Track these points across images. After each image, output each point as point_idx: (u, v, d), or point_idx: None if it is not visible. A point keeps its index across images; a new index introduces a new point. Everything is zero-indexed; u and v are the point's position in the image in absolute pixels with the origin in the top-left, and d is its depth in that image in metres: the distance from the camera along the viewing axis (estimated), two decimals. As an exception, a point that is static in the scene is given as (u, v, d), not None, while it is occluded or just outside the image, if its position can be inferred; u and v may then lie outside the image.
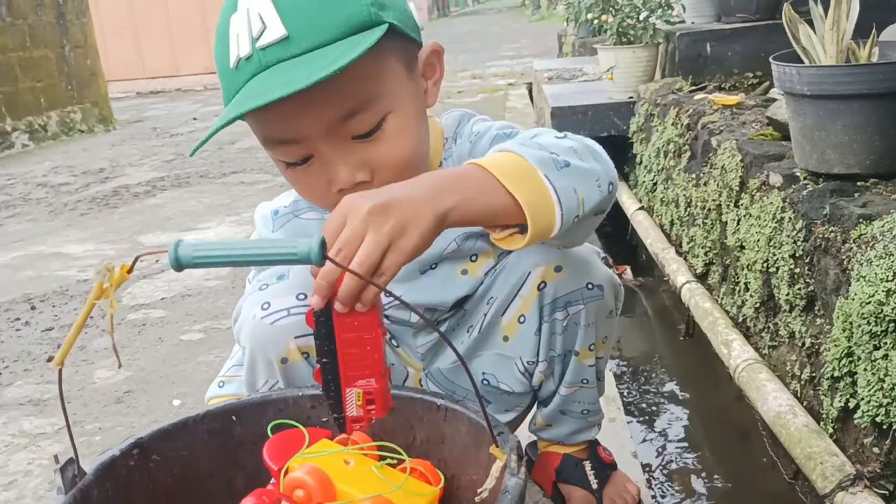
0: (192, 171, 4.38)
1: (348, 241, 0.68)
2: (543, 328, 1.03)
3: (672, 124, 2.67)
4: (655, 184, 2.87)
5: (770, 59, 1.60)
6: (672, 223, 2.61)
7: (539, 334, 1.04)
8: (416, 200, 0.71)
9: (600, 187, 0.83)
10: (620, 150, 3.51)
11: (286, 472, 0.88)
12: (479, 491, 0.77)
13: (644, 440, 1.83)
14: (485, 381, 1.07)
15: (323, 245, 0.63)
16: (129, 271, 0.66)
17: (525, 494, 0.73)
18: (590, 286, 1.02)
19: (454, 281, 1.06)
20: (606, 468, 1.17)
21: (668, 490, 1.65)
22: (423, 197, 0.72)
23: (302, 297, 0.96)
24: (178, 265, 0.64)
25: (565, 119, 3.42)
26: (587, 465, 1.15)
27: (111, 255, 2.88)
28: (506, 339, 1.05)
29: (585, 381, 1.08)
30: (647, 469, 1.68)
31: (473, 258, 1.07)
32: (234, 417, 0.94)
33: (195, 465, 0.89)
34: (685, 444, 1.81)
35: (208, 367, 1.83)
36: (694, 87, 2.92)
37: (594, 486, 1.12)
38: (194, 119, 6.99)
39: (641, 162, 3.09)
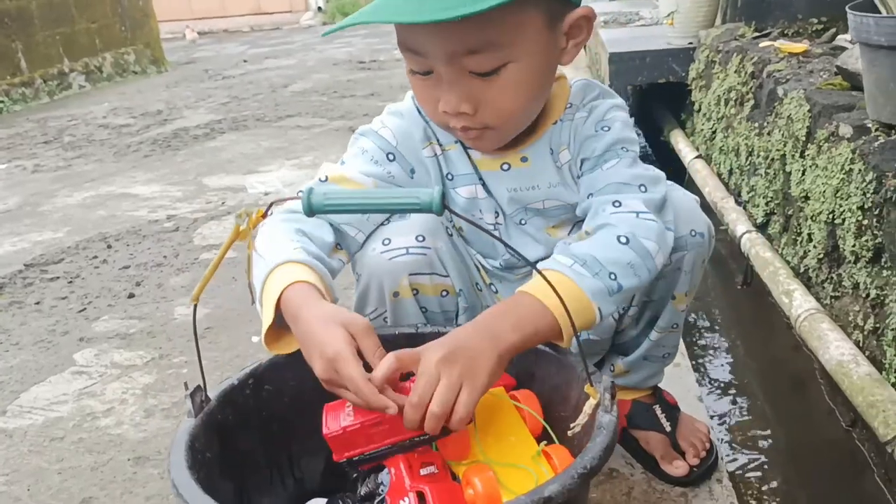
0: (249, 115, 4.44)
1: (424, 388, 0.80)
2: None
3: (735, 72, 2.64)
4: (714, 132, 2.86)
5: (847, 9, 1.59)
6: (731, 172, 2.61)
7: None
8: (480, 344, 0.82)
9: (639, 291, 0.93)
10: (678, 97, 3.48)
11: None
12: (571, 426, 0.83)
13: (701, 386, 1.87)
14: None
15: (443, 195, 0.68)
16: (265, 216, 0.72)
17: (617, 431, 0.79)
18: (693, 233, 1.05)
19: (540, 238, 1.11)
20: (674, 410, 1.21)
21: (725, 435, 1.70)
22: (485, 340, 0.83)
23: (421, 238, 1.03)
24: (311, 210, 0.69)
25: (623, 65, 3.40)
26: (657, 409, 1.19)
27: (178, 196, 2.97)
28: None
29: (675, 326, 1.12)
30: (707, 412, 1.72)
31: (556, 224, 1.11)
32: (335, 353, 1.01)
33: (302, 396, 0.96)
34: (741, 391, 1.85)
35: (282, 306, 1.91)
36: (758, 35, 2.87)
37: (667, 428, 1.17)
38: (245, 61, 7.04)
39: (700, 109, 3.07)
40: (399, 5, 0.82)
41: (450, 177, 1.09)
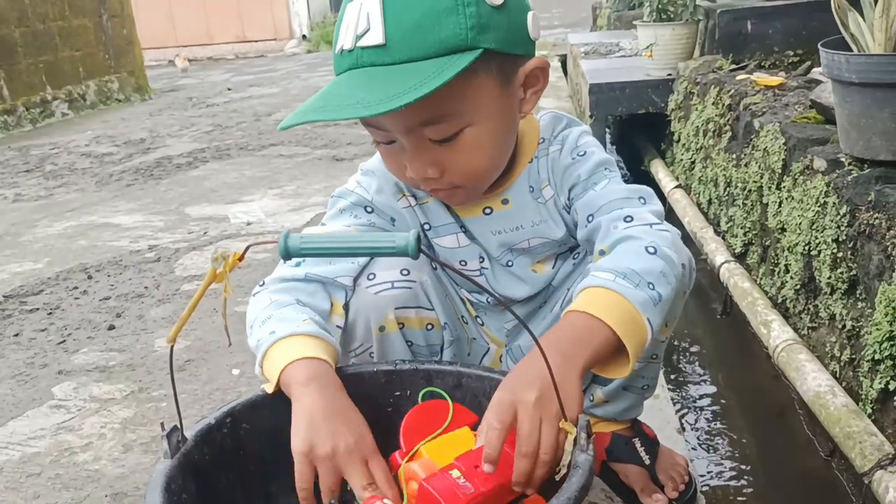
0: (232, 143, 4.45)
1: (531, 432, 0.79)
2: None
3: (713, 104, 2.68)
4: (693, 162, 2.89)
5: (819, 46, 1.62)
6: (710, 202, 2.64)
7: None
8: (563, 373, 0.80)
9: (671, 301, 0.93)
10: (657, 127, 3.53)
11: (412, 457, 0.91)
12: (557, 469, 0.82)
13: (681, 416, 1.88)
14: None
15: (418, 239, 0.69)
16: (241, 259, 0.73)
17: (593, 470, 0.79)
18: None
19: (526, 277, 1.13)
20: (653, 443, 1.22)
21: (704, 467, 1.71)
22: (565, 367, 0.81)
23: (405, 272, 1.04)
24: (287, 254, 0.70)
25: (603, 96, 3.45)
26: (637, 442, 1.20)
27: (160, 226, 2.97)
28: None
29: (655, 357, 1.13)
30: (686, 444, 1.73)
31: (540, 259, 1.13)
32: (313, 390, 1.00)
33: (280, 434, 0.96)
34: (721, 421, 1.86)
35: (263, 337, 1.90)
36: (735, 67, 2.92)
37: (646, 461, 1.17)
38: (229, 89, 7.06)
39: (679, 140, 3.11)
40: (347, 99, 0.84)
41: (427, 227, 1.11)
